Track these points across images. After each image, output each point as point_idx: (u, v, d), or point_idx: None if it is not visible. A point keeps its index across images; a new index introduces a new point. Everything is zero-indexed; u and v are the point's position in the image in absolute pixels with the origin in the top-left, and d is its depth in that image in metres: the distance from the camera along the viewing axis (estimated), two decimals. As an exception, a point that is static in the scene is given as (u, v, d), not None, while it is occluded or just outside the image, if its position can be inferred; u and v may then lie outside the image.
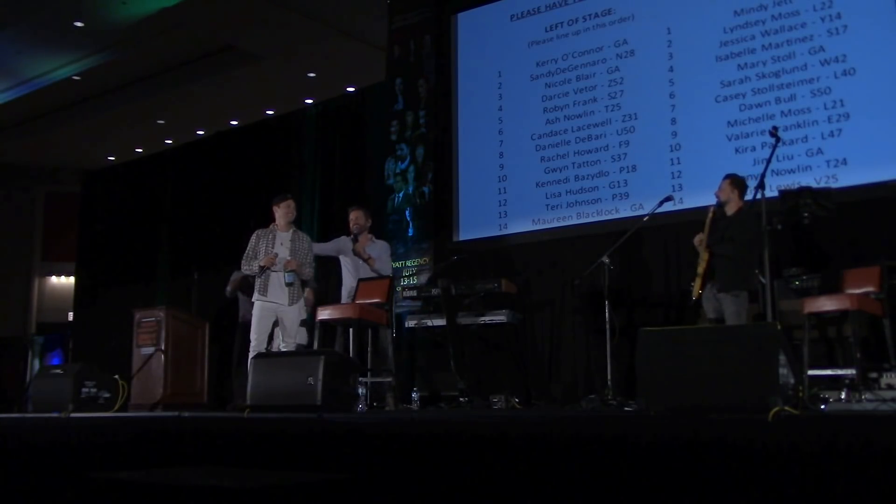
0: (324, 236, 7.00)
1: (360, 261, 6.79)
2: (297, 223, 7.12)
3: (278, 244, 6.27)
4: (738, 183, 5.64)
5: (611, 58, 7.35)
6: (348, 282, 6.86)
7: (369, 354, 6.35)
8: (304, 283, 6.58)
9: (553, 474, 2.27)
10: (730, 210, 5.62)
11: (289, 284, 6.18)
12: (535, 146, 7.66)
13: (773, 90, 6.52)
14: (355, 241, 6.81)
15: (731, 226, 5.49)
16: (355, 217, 6.85)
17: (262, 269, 6.19)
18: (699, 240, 5.61)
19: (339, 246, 6.94)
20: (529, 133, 7.71)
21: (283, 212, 6.32)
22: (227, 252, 7.49)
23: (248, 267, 6.28)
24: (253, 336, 6.15)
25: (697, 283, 5.55)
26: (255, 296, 6.23)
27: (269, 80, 11.11)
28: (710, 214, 5.65)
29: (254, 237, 6.35)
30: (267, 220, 6.73)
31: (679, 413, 4.10)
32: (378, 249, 6.90)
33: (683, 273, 6.54)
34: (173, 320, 8.12)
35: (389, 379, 6.48)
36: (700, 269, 5.51)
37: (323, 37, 10.08)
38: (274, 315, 6.19)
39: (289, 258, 6.20)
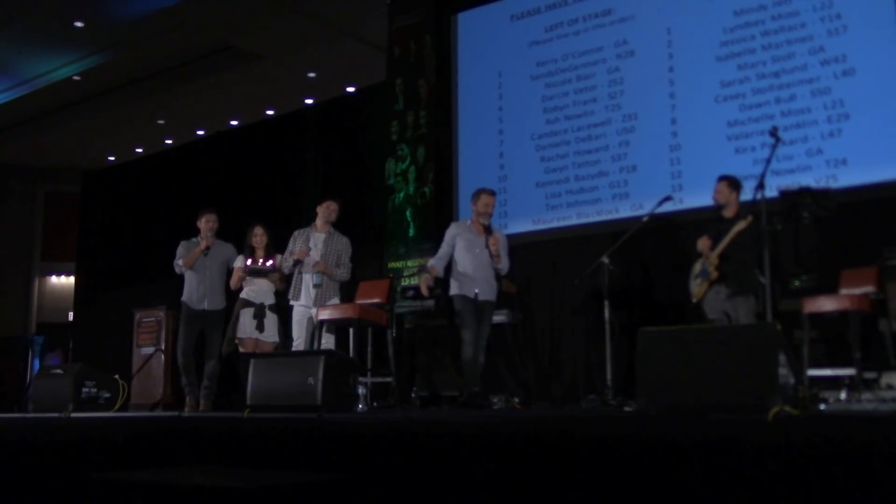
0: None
1: (481, 250, 6.16)
2: (300, 221, 7.14)
3: (312, 245, 6.42)
4: (735, 185, 5.65)
5: (611, 58, 7.35)
6: (465, 268, 6.18)
7: (369, 354, 6.37)
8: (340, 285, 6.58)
9: (553, 474, 2.27)
10: (728, 213, 5.61)
11: (316, 286, 6.30)
12: (535, 146, 7.66)
13: (773, 90, 6.52)
14: (489, 231, 6.19)
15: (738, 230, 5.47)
16: (487, 202, 6.25)
17: (297, 264, 6.42)
18: (705, 244, 5.58)
19: (456, 233, 6.30)
20: (529, 133, 7.71)
21: (322, 212, 6.51)
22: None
23: (286, 264, 6.51)
24: (294, 338, 6.40)
25: (703, 287, 5.55)
26: (291, 300, 6.46)
27: (269, 80, 11.11)
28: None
29: (292, 238, 6.55)
30: (268, 219, 6.74)
31: (679, 413, 4.10)
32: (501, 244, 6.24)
33: (684, 273, 6.54)
34: (173, 320, 8.13)
35: (390, 379, 6.48)
36: (714, 276, 5.51)
37: (323, 37, 10.08)
38: (308, 317, 6.35)
39: (317, 259, 6.36)
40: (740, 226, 5.43)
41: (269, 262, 6.66)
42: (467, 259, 6.17)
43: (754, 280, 5.32)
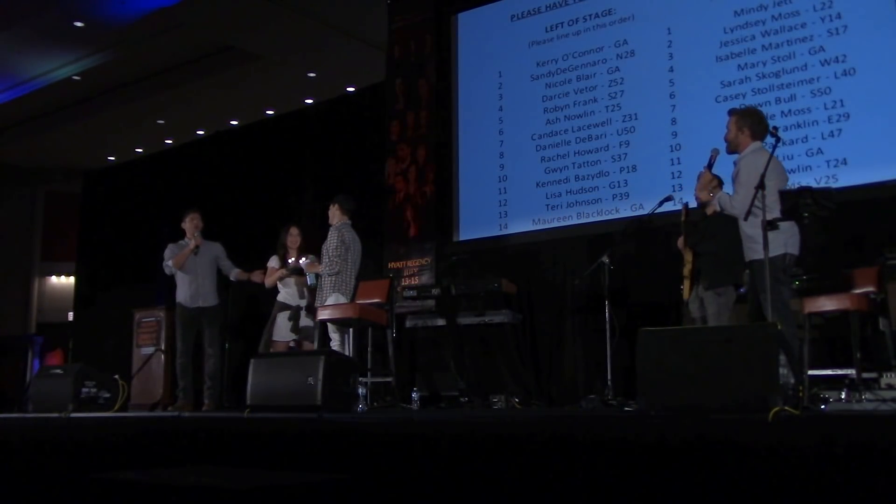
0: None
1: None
2: (300, 221, 7.22)
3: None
4: (719, 183, 5.64)
5: (611, 58, 7.35)
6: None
7: (369, 354, 6.38)
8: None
9: (553, 474, 2.27)
10: (710, 210, 5.60)
11: (311, 285, 6.55)
12: (535, 146, 7.66)
13: (773, 90, 6.52)
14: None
15: (711, 224, 5.48)
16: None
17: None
18: (681, 242, 5.60)
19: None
20: (530, 133, 7.71)
21: (329, 214, 6.67)
22: (227, 251, 7.48)
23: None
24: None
25: (687, 286, 5.55)
26: (316, 303, 6.60)
27: (269, 80, 11.10)
28: (683, 216, 5.65)
29: None
30: (267, 219, 6.74)
31: (679, 413, 4.10)
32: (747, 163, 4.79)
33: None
34: (173, 320, 8.11)
35: (390, 379, 6.48)
36: (686, 272, 5.50)
37: (323, 37, 10.07)
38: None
39: (306, 262, 6.57)
40: (683, 216, 5.51)
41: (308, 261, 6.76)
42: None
43: (727, 272, 5.23)
